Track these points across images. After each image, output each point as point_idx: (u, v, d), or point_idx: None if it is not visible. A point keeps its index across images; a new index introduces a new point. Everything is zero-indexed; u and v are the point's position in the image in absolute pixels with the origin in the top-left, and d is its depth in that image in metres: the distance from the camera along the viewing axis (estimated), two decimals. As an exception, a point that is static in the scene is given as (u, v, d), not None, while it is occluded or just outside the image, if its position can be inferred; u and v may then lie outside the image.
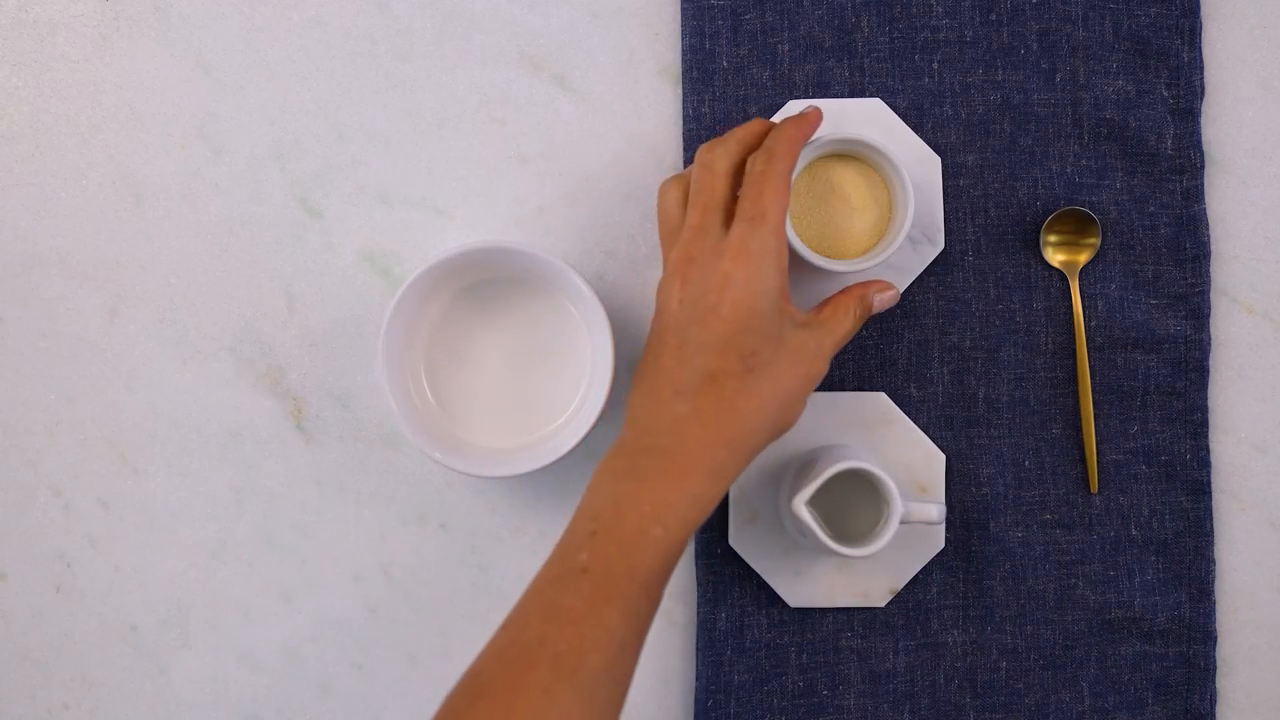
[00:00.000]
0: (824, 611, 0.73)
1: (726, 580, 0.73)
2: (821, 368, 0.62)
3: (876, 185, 0.69)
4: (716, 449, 0.58)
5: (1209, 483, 0.73)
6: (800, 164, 0.66)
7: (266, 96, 0.75)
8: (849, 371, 0.73)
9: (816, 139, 0.66)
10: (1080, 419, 0.73)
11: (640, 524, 0.57)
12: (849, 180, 0.69)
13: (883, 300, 0.66)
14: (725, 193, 0.62)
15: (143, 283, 0.75)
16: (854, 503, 0.70)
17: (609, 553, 0.57)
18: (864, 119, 0.72)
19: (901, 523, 0.65)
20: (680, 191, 0.64)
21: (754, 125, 0.65)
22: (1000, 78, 0.73)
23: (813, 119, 0.65)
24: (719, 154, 0.63)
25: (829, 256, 0.68)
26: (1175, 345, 0.73)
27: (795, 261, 0.66)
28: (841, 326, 0.64)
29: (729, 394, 0.59)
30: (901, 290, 0.73)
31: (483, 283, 0.72)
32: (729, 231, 0.60)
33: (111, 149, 0.75)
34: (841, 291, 0.65)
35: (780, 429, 0.61)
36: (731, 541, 0.72)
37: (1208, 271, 0.73)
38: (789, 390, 0.60)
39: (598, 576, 0.56)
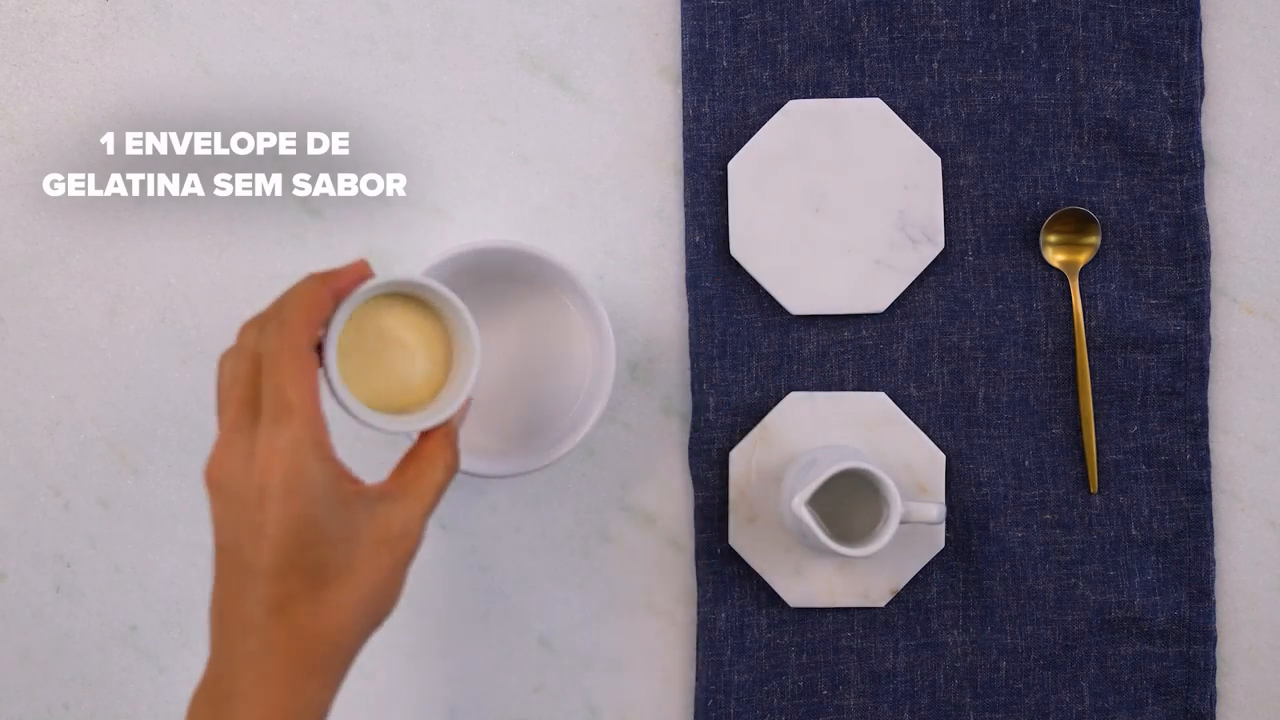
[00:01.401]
0: (824, 611, 0.73)
1: (726, 580, 0.73)
2: (416, 540, 0.54)
3: (436, 321, 0.61)
4: (301, 683, 0.51)
5: (1209, 483, 0.73)
6: (343, 315, 0.56)
7: (266, 96, 0.75)
8: (849, 371, 0.73)
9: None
10: (1080, 419, 0.73)
11: None
12: (402, 321, 0.60)
13: (463, 415, 0.59)
14: (256, 381, 0.52)
15: (143, 283, 0.75)
16: (854, 503, 0.70)
17: None
18: (864, 119, 0.73)
19: (901, 523, 0.65)
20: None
21: (297, 291, 0.54)
22: (1000, 78, 0.73)
23: (342, 274, 0.55)
24: (248, 335, 0.53)
25: (397, 411, 0.59)
26: (1175, 345, 0.73)
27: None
28: (432, 482, 0.56)
29: (303, 619, 0.51)
30: (902, 290, 0.73)
31: (482, 282, 0.72)
32: (258, 433, 0.51)
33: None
34: (421, 439, 0.57)
35: (380, 619, 0.54)
36: (731, 541, 0.72)
37: (1208, 271, 0.73)
38: (380, 581, 0.53)
39: None
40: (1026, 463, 0.73)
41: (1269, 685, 0.74)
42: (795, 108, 0.73)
